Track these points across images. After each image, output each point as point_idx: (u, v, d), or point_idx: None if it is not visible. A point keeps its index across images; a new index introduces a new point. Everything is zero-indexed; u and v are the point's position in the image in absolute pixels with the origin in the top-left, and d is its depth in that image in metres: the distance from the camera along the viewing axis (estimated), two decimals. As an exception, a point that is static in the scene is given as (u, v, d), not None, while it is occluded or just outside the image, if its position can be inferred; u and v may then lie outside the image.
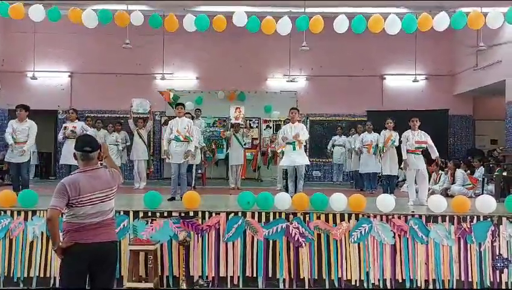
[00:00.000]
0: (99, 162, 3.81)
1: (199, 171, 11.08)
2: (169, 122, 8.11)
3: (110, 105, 13.66)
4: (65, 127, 8.89)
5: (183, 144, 7.74)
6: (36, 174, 13.19)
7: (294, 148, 7.88)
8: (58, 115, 13.80)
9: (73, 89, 13.96)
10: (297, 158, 7.89)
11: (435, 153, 7.72)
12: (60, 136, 8.99)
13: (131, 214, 6.13)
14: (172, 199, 7.51)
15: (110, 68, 13.52)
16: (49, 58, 13.71)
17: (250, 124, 13.31)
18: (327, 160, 13.51)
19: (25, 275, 6.04)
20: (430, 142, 7.74)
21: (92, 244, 3.55)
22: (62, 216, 3.61)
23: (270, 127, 13.87)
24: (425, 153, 7.94)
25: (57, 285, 5.63)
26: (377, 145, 8.87)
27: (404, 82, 14.00)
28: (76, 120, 9.09)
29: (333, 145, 12.63)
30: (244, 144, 11.15)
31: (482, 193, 8.34)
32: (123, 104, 12.00)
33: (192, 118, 9.77)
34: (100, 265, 3.60)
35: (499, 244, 6.07)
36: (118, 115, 13.26)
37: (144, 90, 13.04)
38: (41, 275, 6.03)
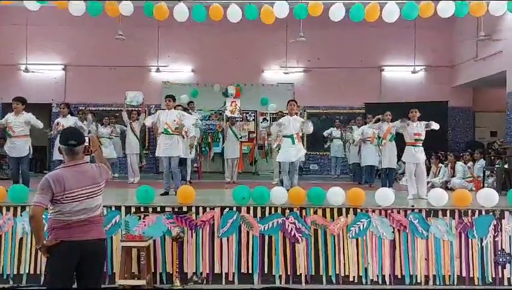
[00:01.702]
0: (86, 155, 3.66)
1: (195, 164, 10.92)
2: (158, 111, 8.05)
3: (104, 98, 13.43)
4: (57, 123, 8.68)
5: (173, 136, 7.58)
6: (30, 168, 12.99)
7: (293, 142, 7.57)
8: (53, 109, 13.59)
9: (67, 82, 13.77)
10: (294, 153, 7.58)
11: (436, 125, 7.49)
12: (53, 132, 8.78)
13: (123, 209, 5.98)
14: (166, 193, 7.36)
15: (104, 61, 13.30)
16: (42, 51, 13.51)
17: (246, 117, 13.14)
18: (324, 153, 13.37)
19: (15, 272, 5.89)
20: (427, 123, 7.52)
21: (79, 242, 3.42)
22: (48, 212, 3.46)
23: (267, 120, 13.70)
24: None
25: (47, 283, 5.50)
26: (379, 136, 8.72)
27: (403, 74, 13.87)
28: (69, 115, 8.85)
29: (331, 139, 12.47)
30: (240, 137, 10.99)
31: (483, 187, 8.21)
32: (118, 97, 11.80)
33: (186, 110, 9.59)
34: (87, 263, 3.47)
35: (501, 239, 5.94)
36: (112, 108, 13.07)
37: (139, 82, 12.92)
38: (31, 272, 5.89)
